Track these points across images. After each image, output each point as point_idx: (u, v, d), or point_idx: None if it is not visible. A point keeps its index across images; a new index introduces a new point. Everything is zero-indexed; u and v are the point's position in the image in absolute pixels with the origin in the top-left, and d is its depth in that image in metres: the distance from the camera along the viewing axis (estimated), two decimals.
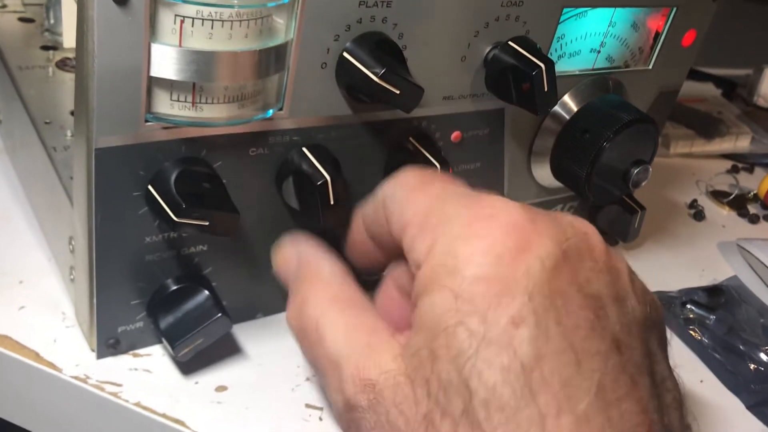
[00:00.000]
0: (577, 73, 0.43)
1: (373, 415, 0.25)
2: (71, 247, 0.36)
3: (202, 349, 0.35)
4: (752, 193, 0.64)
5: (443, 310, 0.24)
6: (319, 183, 0.34)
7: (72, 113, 0.42)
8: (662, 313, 0.27)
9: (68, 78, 0.45)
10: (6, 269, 0.41)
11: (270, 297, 0.40)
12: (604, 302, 0.24)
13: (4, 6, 0.52)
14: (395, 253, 0.29)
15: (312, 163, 0.34)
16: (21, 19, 0.51)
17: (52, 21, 0.49)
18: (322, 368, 0.28)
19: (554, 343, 0.23)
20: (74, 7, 0.34)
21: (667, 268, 0.52)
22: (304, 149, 0.35)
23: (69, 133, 0.40)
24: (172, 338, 0.34)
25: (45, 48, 0.48)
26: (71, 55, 0.47)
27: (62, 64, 0.46)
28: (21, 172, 0.47)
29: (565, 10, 0.40)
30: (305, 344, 0.29)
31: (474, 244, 0.24)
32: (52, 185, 0.38)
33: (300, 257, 0.32)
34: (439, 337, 0.23)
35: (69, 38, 0.35)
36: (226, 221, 0.32)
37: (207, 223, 0.31)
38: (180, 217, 0.30)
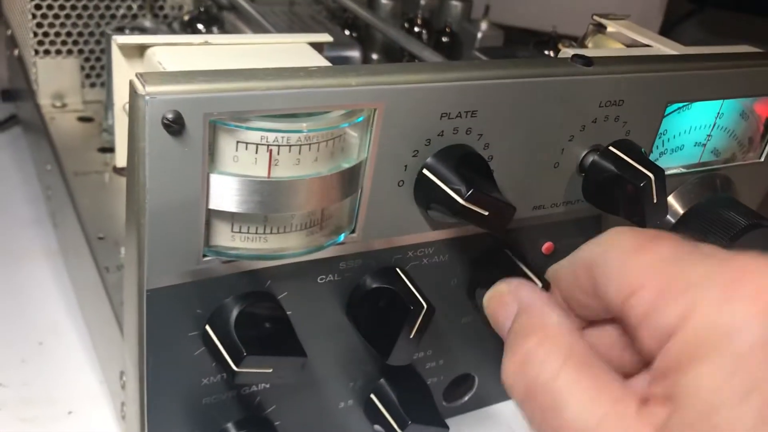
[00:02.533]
0: (682, 170, 0.38)
1: None
2: (122, 382, 0.32)
3: None
4: None
5: (718, 384, 0.21)
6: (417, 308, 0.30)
7: None
8: None
9: (125, 184, 0.42)
10: (54, 396, 0.38)
11: None
12: None
13: (65, 105, 0.50)
14: (597, 318, 0.27)
15: (409, 289, 0.31)
16: (80, 119, 0.49)
17: (110, 121, 0.47)
18: None
19: None
20: (127, 124, 0.31)
21: None
22: (398, 270, 0.31)
23: (123, 251, 0.37)
24: None
25: (103, 150, 0.46)
26: None
27: (119, 169, 0.44)
28: (74, 280, 0.45)
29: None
30: (534, 410, 0.25)
31: (745, 307, 0.21)
32: (103, 309, 0.35)
33: (521, 302, 0.28)
34: (717, 415, 0.21)
35: (121, 157, 0.32)
36: (293, 366, 0.28)
37: (271, 371, 0.27)
38: (241, 366, 0.27)
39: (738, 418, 0.20)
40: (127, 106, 0.30)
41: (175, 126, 0.24)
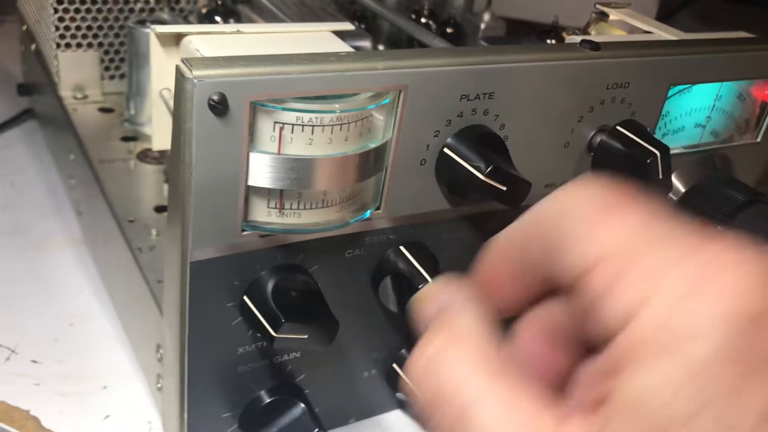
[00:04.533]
0: (682, 150, 0.40)
1: None
2: (159, 355, 0.34)
3: None
4: None
5: (668, 396, 0.18)
6: (420, 287, 0.31)
7: (156, 210, 0.41)
8: None
9: (150, 171, 0.44)
10: (89, 373, 0.39)
11: (363, 401, 0.37)
12: None
13: (86, 97, 0.52)
14: (543, 289, 0.23)
15: (412, 264, 0.32)
16: (101, 110, 0.51)
17: (132, 111, 0.48)
18: None
19: None
20: (164, 110, 0.33)
21: None
22: (402, 248, 0.33)
23: (154, 232, 0.39)
24: None
25: (125, 139, 0.48)
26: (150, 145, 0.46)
27: (143, 156, 0.46)
28: (101, 265, 0.46)
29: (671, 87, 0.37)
30: (443, 416, 0.22)
31: (708, 308, 0.18)
32: (137, 288, 0.37)
33: (443, 301, 0.25)
34: (671, 425, 0.18)
35: (159, 141, 0.34)
36: (326, 333, 0.30)
37: (306, 337, 0.29)
38: (279, 332, 0.29)
39: None
40: (164, 91, 0.32)
41: (220, 107, 0.25)
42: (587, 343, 0.22)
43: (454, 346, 0.22)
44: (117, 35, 0.51)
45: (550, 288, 0.23)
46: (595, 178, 0.22)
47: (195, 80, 0.25)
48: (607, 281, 0.20)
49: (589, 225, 0.21)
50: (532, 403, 0.20)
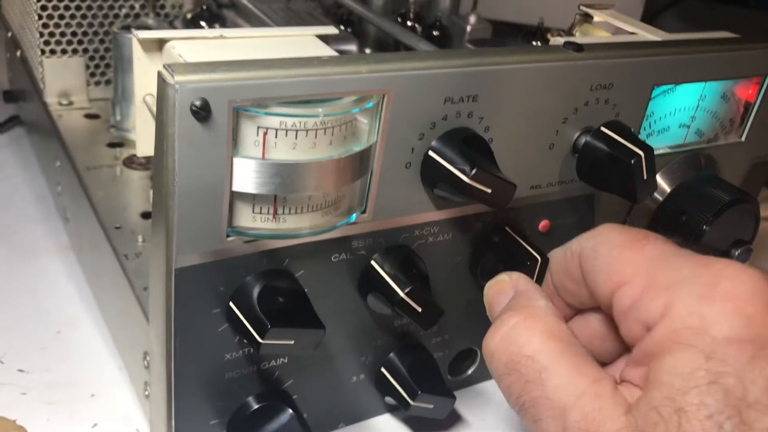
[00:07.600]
0: (667, 150, 0.40)
1: None
2: (146, 363, 0.34)
3: None
4: None
5: (692, 368, 0.23)
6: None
7: (142, 216, 0.40)
8: None
9: (136, 177, 0.44)
10: (77, 380, 0.39)
11: (352, 406, 0.37)
12: None
13: (71, 103, 0.52)
14: (583, 306, 0.30)
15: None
16: (87, 116, 0.51)
17: (118, 117, 0.48)
18: (537, 410, 0.26)
19: None
20: (148, 115, 0.33)
21: None
22: (373, 262, 0.33)
23: (140, 239, 0.38)
24: None
25: (112, 145, 0.47)
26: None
27: (129, 162, 0.45)
28: (88, 272, 0.46)
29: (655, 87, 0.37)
30: (515, 381, 0.27)
31: (720, 305, 0.24)
32: (124, 295, 0.37)
33: (516, 289, 0.31)
34: (688, 394, 0.23)
35: (143, 147, 0.34)
36: (312, 338, 0.30)
37: (293, 342, 0.29)
38: (265, 338, 0.28)
39: (709, 398, 0.22)
40: (147, 97, 0.32)
41: (202, 112, 0.25)
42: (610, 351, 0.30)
43: (530, 321, 0.28)
44: (102, 41, 0.51)
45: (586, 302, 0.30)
46: (611, 225, 0.29)
47: (177, 86, 0.25)
48: (634, 296, 0.26)
49: (615, 255, 0.27)
50: (595, 372, 0.26)
